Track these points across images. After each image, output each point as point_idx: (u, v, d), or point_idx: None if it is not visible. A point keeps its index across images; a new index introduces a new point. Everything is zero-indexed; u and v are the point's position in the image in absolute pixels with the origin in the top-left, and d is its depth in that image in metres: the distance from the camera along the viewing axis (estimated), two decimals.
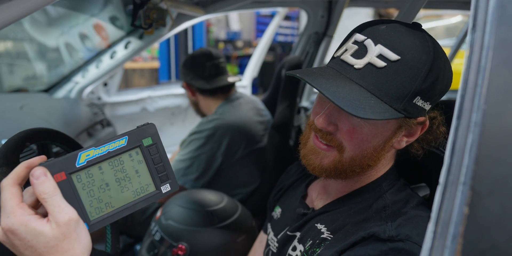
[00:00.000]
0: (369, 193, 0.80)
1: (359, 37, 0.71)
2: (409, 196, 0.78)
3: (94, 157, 0.55)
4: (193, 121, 2.92)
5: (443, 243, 0.42)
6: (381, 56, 0.68)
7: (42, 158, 0.55)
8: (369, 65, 0.68)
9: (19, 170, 0.53)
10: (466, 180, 0.43)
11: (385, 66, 0.67)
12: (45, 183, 0.50)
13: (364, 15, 6.62)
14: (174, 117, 2.81)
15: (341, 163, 0.75)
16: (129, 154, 0.59)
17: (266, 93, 2.29)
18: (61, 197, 0.51)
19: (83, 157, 0.54)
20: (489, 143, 0.44)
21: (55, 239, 0.50)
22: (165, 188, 0.63)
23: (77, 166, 0.54)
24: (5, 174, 0.72)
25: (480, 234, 0.42)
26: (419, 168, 0.93)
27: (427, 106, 0.72)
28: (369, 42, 0.69)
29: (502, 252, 0.42)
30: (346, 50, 0.72)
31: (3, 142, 1.25)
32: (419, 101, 0.70)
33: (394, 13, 8.03)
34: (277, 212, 1.01)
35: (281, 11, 2.84)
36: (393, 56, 0.67)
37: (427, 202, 0.92)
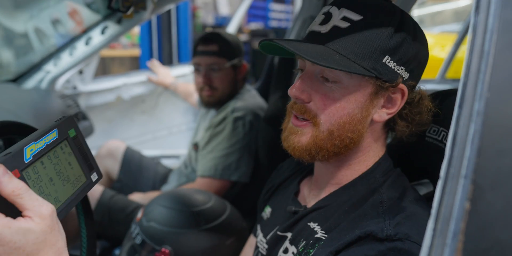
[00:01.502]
0: (362, 185, 0.82)
1: (326, 8, 0.79)
2: (405, 189, 0.80)
3: (36, 152, 0.58)
4: (164, 109, 2.92)
5: (443, 241, 0.43)
6: (345, 18, 0.75)
7: None
8: (334, 27, 0.75)
9: None
10: (467, 173, 0.44)
11: (348, 26, 0.74)
12: (13, 179, 0.51)
13: None
14: (145, 104, 2.81)
15: (319, 138, 0.78)
16: (60, 147, 0.64)
17: (258, 82, 2.29)
18: (32, 191, 0.52)
19: (28, 152, 0.56)
20: (492, 134, 0.44)
21: (44, 233, 0.51)
22: (94, 176, 0.71)
23: (26, 162, 0.56)
24: None
25: (482, 230, 0.43)
26: (421, 163, 0.94)
27: (403, 73, 0.76)
28: (333, 9, 0.76)
29: (506, 250, 0.43)
30: (315, 22, 0.80)
31: None
32: (390, 62, 0.74)
33: None
34: (267, 212, 1.01)
35: None
36: (356, 17, 0.74)
37: (431, 200, 0.94)
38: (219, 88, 1.80)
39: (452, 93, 0.92)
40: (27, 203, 0.51)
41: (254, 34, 7.60)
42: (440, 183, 0.46)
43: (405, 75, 0.77)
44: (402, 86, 0.77)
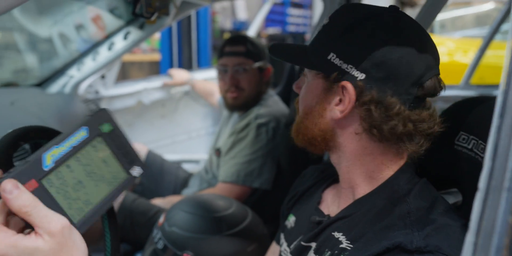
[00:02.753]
0: (386, 193, 0.80)
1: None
2: (435, 199, 0.77)
3: (60, 156, 0.55)
4: (183, 113, 2.94)
5: None
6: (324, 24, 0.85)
7: None
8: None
9: None
10: (511, 185, 0.42)
11: (319, 31, 0.84)
12: (22, 196, 0.49)
13: (384, 2, 6.57)
14: (165, 109, 2.82)
15: (297, 123, 0.89)
16: (91, 145, 0.60)
17: (279, 87, 2.28)
18: (43, 206, 0.51)
19: (48, 159, 0.54)
20: None
21: (53, 251, 0.50)
22: (136, 171, 0.66)
23: (45, 170, 0.53)
24: None
25: None
26: (449, 172, 0.92)
27: (354, 71, 0.77)
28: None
29: None
30: None
31: None
32: (335, 60, 0.78)
33: (418, 0, 7.97)
34: (291, 220, 1.00)
35: None
36: (326, 20, 0.83)
37: (460, 210, 0.91)
38: (246, 89, 1.80)
39: (481, 100, 0.90)
40: (36, 220, 0.50)
41: (272, 38, 7.61)
42: (479, 195, 0.45)
43: (358, 74, 0.76)
44: (345, 83, 0.77)
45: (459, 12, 5.95)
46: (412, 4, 7.88)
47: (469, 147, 0.86)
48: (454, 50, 4.06)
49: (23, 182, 0.51)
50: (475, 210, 0.45)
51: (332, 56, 0.78)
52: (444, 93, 0.82)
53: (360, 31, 0.78)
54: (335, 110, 0.80)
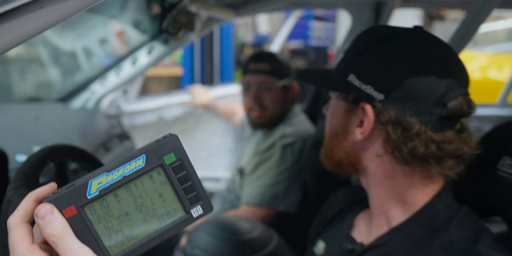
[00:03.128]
0: (424, 220, 0.78)
1: None
2: (480, 229, 0.74)
3: (107, 185, 0.52)
4: (204, 129, 2.94)
5: None
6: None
7: (51, 187, 0.53)
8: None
9: (26, 205, 0.51)
10: None
11: (343, 54, 0.86)
12: (53, 223, 0.48)
13: (410, 16, 6.53)
14: (185, 124, 2.84)
15: (325, 145, 0.91)
16: (149, 176, 0.56)
17: (305, 104, 2.27)
18: (72, 237, 0.50)
19: (94, 186, 0.52)
20: None
21: None
22: (197, 211, 0.59)
23: (89, 197, 0.51)
24: (25, 196, 0.73)
25: None
26: (491, 199, 0.89)
27: (374, 92, 0.77)
28: None
29: None
30: None
31: (18, 157, 1.29)
32: (355, 81, 0.79)
33: (447, 14, 7.90)
34: (320, 247, 0.98)
35: (297, 12, 2.85)
36: (350, 44, 0.86)
37: (505, 241, 0.88)
38: (270, 108, 1.79)
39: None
40: (61, 252, 0.49)
41: (294, 53, 7.63)
42: None
43: (377, 95, 0.77)
44: (364, 104, 0.78)
45: (490, 26, 5.88)
46: (441, 18, 7.81)
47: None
48: (487, 66, 3.98)
49: (62, 207, 0.50)
50: None
51: (352, 77, 0.80)
52: (479, 112, 0.81)
53: (379, 51, 0.80)
54: (356, 132, 0.82)
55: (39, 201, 0.51)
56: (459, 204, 0.80)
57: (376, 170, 0.83)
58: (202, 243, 1.27)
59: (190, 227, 1.47)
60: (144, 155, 0.55)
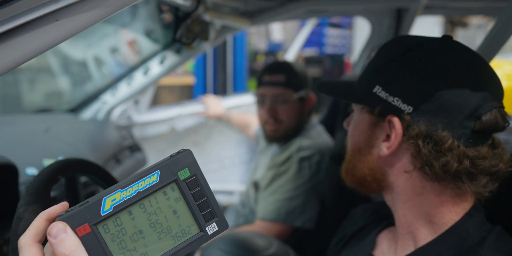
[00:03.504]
0: (453, 241, 0.75)
1: None
2: None
3: (121, 201, 0.53)
4: (216, 140, 2.94)
5: None
6: (370, 56, 0.86)
7: (64, 206, 0.54)
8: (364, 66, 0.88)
9: (38, 224, 0.52)
10: None
11: (368, 61, 0.85)
12: (66, 242, 0.49)
13: (432, 23, 6.50)
14: (197, 135, 2.84)
15: (347, 162, 0.89)
16: (163, 192, 0.56)
17: (322, 114, 2.26)
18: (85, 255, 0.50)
19: (108, 203, 0.52)
20: None
21: None
22: (212, 228, 0.59)
23: (103, 215, 0.52)
24: (36, 213, 0.73)
25: None
26: None
27: (402, 105, 0.76)
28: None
29: None
30: None
31: (28, 170, 1.29)
32: (381, 92, 0.78)
33: (470, 20, 7.84)
34: None
35: (313, 20, 2.87)
36: (374, 53, 0.85)
37: None
38: (285, 121, 1.77)
39: None
40: None
41: (308, 61, 7.64)
42: None
43: (405, 108, 0.76)
44: (392, 117, 0.77)
45: None
46: (464, 24, 7.77)
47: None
48: (510, 74, 3.93)
49: (75, 225, 0.50)
50: None
51: (377, 89, 0.78)
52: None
53: (407, 61, 0.78)
54: (382, 146, 0.80)
55: (51, 220, 0.51)
56: (491, 224, 0.78)
57: (403, 187, 0.81)
58: None
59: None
60: (158, 171, 0.55)
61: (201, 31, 1.58)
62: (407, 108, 0.75)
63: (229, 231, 1.78)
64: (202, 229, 0.57)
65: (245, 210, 1.91)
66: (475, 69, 0.77)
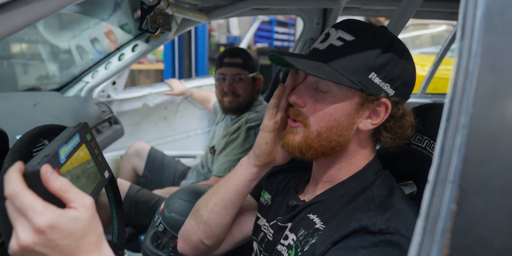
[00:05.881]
0: (356, 182, 0.80)
1: (327, 29, 0.79)
2: (393, 188, 0.78)
3: (68, 153, 0.57)
4: (183, 115, 2.93)
5: (432, 237, 0.42)
6: (340, 38, 0.75)
7: (20, 162, 0.53)
8: (330, 46, 0.76)
9: (18, 176, 0.50)
10: (454, 178, 0.43)
11: (342, 45, 0.75)
12: (59, 177, 0.51)
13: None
14: (167, 111, 2.81)
15: (309, 138, 0.78)
16: (82, 149, 0.63)
17: (264, 95, 2.28)
18: (74, 186, 0.53)
19: (62, 154, 0.56)
20: (476, 144, 0.43)
21: (89, 220, 0.52)
22: (106, 174, 0.69)
23: (61, 163, 0.55)
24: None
25: (467, 229, 0.42)
26: (407, 167, 0.93)
27: (388, 89, 0.75)
28: (332, 30, 0.77)
29: (487, 246, 0.42)
30: (317, 40, 0.80)
31: (18, 137, 1.24)
32: (375, 78, 0.74)
33: (384, 21, 8.02)
34: (266, 198, 0.98)
35: (260, 17, 2.87)
36: (349, 37, 0.75)
37: (415, 198, 0.92)
38: (241, 95, 1.79)
39: (434, 106, 0.91)
40: (73, 196, 0.52)
41: (260, 51, 7.60)
42: (429, 187, 0.45)
43: (390, 91, 0.76)
44: (385, 100, 0.76)
45: (417, 33, 6.02)
46: (379, 23, 7.91)
47: (423, 146, 0.87)
48: None
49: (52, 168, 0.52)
50: (425, 199, 0.46)
51: (373, 75, 0.74)
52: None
53: (395, 52, 0.75)
54: (367, 122, 0.77)
55: (22, 171, 0.51)
56: (383, 170, 0.83)
57: (353, 149, 0.81)
58: (177, 207, 1.26)
59: (167, 195, 1.46)
60: (78, 134, 0.62)
61: (164, 23, 1.54)
62: (392, 92, 0.76)
63: (190, 185, 1.80)
64: (102, 175, 0.68)
65: (204, 170, 1.92)
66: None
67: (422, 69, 3.96)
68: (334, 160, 0.81)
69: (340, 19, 2.10)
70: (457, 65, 0.47)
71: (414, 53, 5.30)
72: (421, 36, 6.07)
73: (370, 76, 0.74)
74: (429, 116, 0.87)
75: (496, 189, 0.42)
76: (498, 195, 0.42)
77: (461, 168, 0.43)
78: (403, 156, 0.92)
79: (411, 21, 5.61)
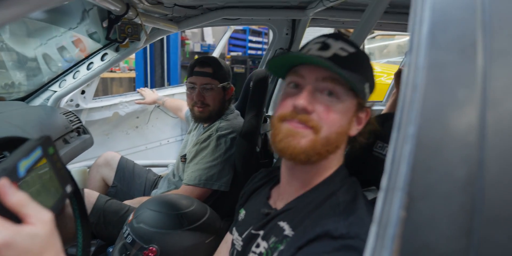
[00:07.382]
0: (324, 188, 0.82)
1: (319, 39, 0.82)
2: (357, 194, 0.80)
3: (28, 167, 0.55)
4: (155, 124, 2.90)
5: (382, 243, 0.44)
6: (342, 49, 0.79)
7: None
8: (335, 55, 0.78)
9: None
10: (403, 185, 0.45)
11: (347, 56, 0.78)
12: (17, 192, 0.49)
13: (327, 32, 6.72)
14: (138, 120, 2.77)
15: (318, 143, 0.76)
16: (43, 162, 0.60)
17: (236, 102, 2.29)
18: (32, 201, 0.51)
19: (21, 167, 0.54)
20: (423, 153, 0.46)
21: (47, 236, 0.50)
22: (68, 188, 0.67)
23: (20, 177, 0.53)
24: None
25: (414, 234, 0.44)
26: (370, 173, 0.96)
27: (367, 97, 0.83)
28: (330, 40, 0.80)
29: (433, 250, 0.44)
30: (310, 49, 0.81)
31: None
32: (367, 89, 0.80)
33: (350, 31, 8.24)
34: (242, 214, 1.00)
35: (232, 27, 2.91)
36: (350, 49, 0.79)
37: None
38: (211, 105, 1.77)
39: (393, 115, 0.94)
40: (31, 211, 0.50)
41: (234, 60, 7.65)
42: (381, 194, 0.47)
43: (367, 99, 0.83)
44: (368, 108, 0.83)
45: (384, 42, 6.22)
46: (348, 35, 8.13)
47: (384, 153, 0.91)
48: (380, 73, 4.24)
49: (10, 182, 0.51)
50: (377, 205, 0.47)
51: (366, 86, 0.81)
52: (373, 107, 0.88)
53: (369, 63, 0.83)
54: (355, 128, 0.82)
55: None
56: (350, 177, 0.86)
57: (337, 155, 0.84)
58: (146, 218, 1.24)
59: (137, 205, 1.44)
60: (40, 147, 0.60)
61: (133, 33, 1.53)
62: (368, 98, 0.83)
63: (159, 194, 1.77)
64: (64, 189, 0.65)
65: (175, 179, 1.90)
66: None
67: (388, 78, 4.09)
68: (313, 166, 0.81)
69: (309, 29, 2.14)
70: (406, 77, 0.50)
71: (382, 62, 5.49)
72: (388, 46, 6.28)
73: (365, 86, 0.80)
74: (389, 124, 0.90)
75: (440, 196, 0.44)
76: (443, 201, 0.44)
77: (409, 176, 0.45)
78: (366, 163, 0.95)
79: (379, 32, 5.80)
